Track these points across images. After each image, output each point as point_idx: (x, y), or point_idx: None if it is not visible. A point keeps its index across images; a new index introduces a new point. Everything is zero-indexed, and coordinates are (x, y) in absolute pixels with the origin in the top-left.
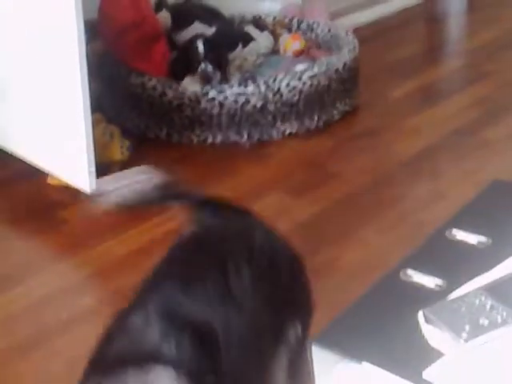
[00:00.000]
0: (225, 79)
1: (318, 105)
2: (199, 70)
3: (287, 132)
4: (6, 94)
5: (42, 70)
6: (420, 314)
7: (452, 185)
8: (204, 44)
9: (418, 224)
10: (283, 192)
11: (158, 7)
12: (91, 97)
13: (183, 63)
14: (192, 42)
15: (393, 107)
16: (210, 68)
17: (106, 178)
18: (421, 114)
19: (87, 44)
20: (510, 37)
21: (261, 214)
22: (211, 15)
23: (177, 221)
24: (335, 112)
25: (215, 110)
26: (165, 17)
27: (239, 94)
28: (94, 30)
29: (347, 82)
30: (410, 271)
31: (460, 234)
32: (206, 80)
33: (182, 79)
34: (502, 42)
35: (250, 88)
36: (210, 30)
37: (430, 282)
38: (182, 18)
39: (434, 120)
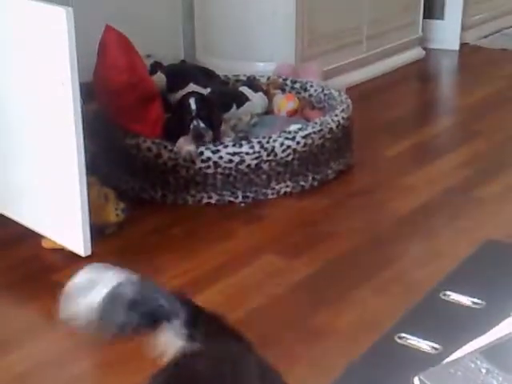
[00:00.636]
0: (217, 138)
1: (312, 164)
2: (191, 127)
3: (282, 191)
4: (3, 157)
5: (37, 132)
6: (416, 379)
7: (447, 243)
8: (197, 102)
9: (415, 283)
10: (278, 253)
11: (154, 69)
12: (86, 159)
13: (176, 122)
14: (185, 100)
15: (387, 166)
16: (202, 125)
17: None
18: (415, 172)
19: (82, 106)
20: (500, 95)
21: (255, 275)
22: (206, 76)
23: None
24: (330, 171)
25: (210, 170)
26: (160, 79)
27: (234, 154)
28: (89, 92)
29: (341, 141)
30: (405, 334)
31: (454, 296)
32: (198, 138)
33: (177, 139)
34: (492, 101)
35: (245, 148)
36: (205, 91)
37: (425, 345)
38: (177, 80)
39: (428, 178)
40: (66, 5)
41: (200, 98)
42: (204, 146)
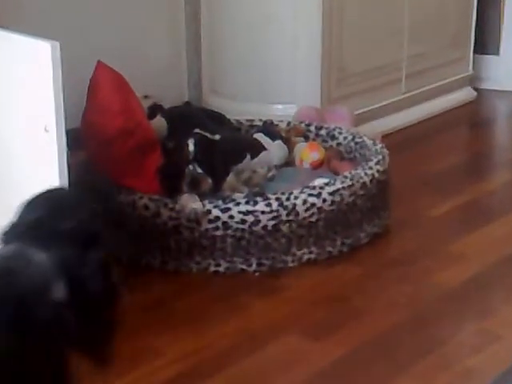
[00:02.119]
0: (218, 189)
1: (341, 226)
2: (186, 172)
3: (305, 258)
4: None
5: (15, 186)
6: None
7: (506, 324)
8: (197, 143)
9: (465, 372)
10: (300, 332)
11: (152, 113)
12: None
13: (171, 169)
14: (183, 141)
15: (431, 229)
16: (198, 171)
17: None
18: (465, 237)
19: (69, 156)
20: None
21: (273, 360)
22: (214, 121)
23: None
24: (362, 235)
25: (219, 232)
26: (160, 124)
27: (247, 213)
28: (76, 140)
29: (376, 198)
30: None
31: None
32: (192, 185)
33: (171, 190)
34: None
35: (260, 205)
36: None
37: None
38: (180, 126)
39: (481, 245)
40: (53, 39)
41: (202, 139)
42: (212, 202)
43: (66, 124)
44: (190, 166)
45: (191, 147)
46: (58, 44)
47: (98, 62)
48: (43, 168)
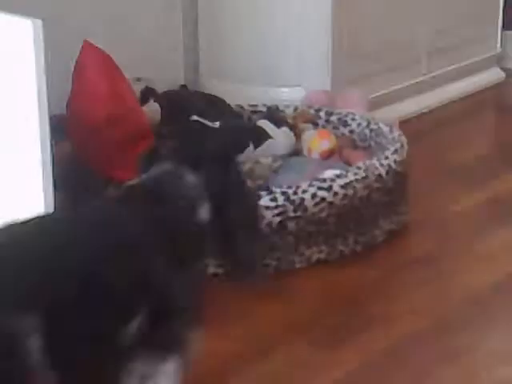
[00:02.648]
0: None
1: (354, 223)
2: None
3: (314, 258)
4: None
5: None
6: None
7: None
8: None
9: None
10: (309, 340)
11: (145, 97)
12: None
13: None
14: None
15: (454, 225)
16: None
17: None
18: (492, 234)
19: (52, 146)
20: None
21: (279, 371)
22: (213, 107)
23: None
24: (378, 232)
25: None
26: (153, 110)
27: None
28: (61, 128)
29: (393, 192)
30: None
31: None
32: None
33: None
34: None
35: (265, 200)
36: (213, 126)
37: None
38: (175, 111)
39: (509, 243)
40: (35, 17)
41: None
42: None
43: (48, 111)
44: None
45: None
46: (40, 22)
47: (85, 41)
48: (24, 159)
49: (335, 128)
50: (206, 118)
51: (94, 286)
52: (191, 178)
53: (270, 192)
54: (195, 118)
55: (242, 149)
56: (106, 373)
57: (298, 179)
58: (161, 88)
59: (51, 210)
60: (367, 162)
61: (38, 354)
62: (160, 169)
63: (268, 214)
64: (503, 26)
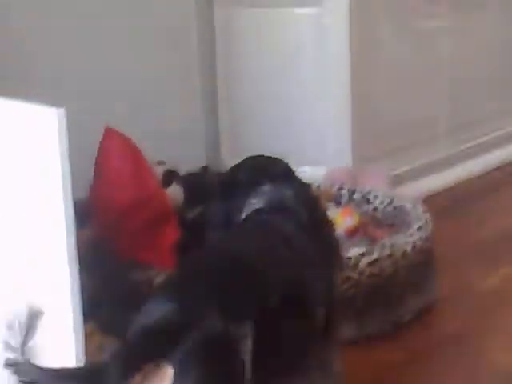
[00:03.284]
0: None
1: (381, 301)
2: None
3: (341, 338)
4: None
5: (19, 269)
6: None
7: None
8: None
9: None
10: None
11: (167, 180)
12: (82, 300)
13: (194, 241)
14: (208, 209)
15: (483, 302)
16: None
17: None
18: None
19: (76, 231)
20: None
21: None
22: None
23: None
24: (405, 311)
25: None
26: (175, 192)
27: None
28: (84, 213)
29: (420, 269)
30: None
31: None
32: None
33: None
34: None
35: None
36: None
37: None
38: (198, 193)
39: None
40: (57, 105)
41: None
42: None
43: (72, 196)
44: None
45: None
46: (63, 110)
47: (107, 128)
48: (50, 246)
49: (358, 206)
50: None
51: (289, 295)
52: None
53: None
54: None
55: None
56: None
57: None
58: (183, 170)
59: (77, 293)
60: (392, 239)
61: (248, 355)
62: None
63: None
64: None
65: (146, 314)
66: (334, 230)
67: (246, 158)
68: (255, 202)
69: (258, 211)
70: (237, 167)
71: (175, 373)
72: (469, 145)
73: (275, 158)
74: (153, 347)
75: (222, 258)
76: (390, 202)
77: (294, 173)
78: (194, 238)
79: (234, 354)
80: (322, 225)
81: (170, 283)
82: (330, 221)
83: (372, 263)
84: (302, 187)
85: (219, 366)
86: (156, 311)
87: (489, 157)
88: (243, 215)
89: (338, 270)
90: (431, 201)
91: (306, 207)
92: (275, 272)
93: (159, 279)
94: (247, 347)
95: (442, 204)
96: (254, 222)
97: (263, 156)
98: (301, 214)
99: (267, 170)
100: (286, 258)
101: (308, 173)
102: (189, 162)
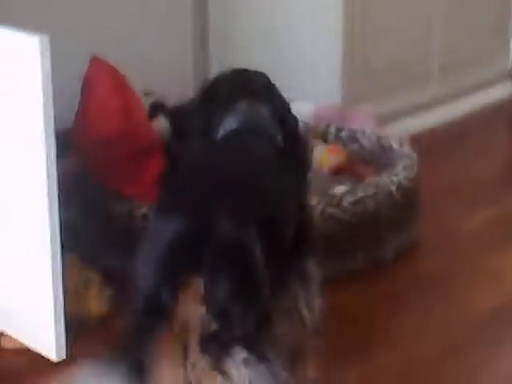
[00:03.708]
0: None
1: (363, 240)
2: None
3: (322, 276)
4: None
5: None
6: None
7: None
8: None
9: None
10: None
11: (154, 112)
12: (62, 231)
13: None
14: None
15: (465, 243)
16: None
17: None
18: (503, 253)
19: (58, 161)
20: None
21: None
22: None
23: None
24: (387, 249)
25: None
26: (161, 125)
27: None
28: (67, 143)
29: (403, 209)
30: None
31: None
32: None
33: None
34: None
35: None
36: None
37: None
38: (184, 126)
39: None
40: (42, 30)
41: None
42: None
43: (55, 126)
44: None
45: None
46: (47, 37)
47: (93, 56)
48: (30, 178)
49: (345, 144)
50: None
51: (278, 202)
52: (264, 110)
53: None
54: None
55: None
56: (282, 268)
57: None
58: (170, 102)
59: (56, 227)
60: (377, 179)
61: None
62: (243, 104)
63: None
64: None
65: (159, 233)
66: (306, 148)
67: (229, 71)
68: (231, 121)
69: (233, 132)
70: (217, 80)
71: (205, 283)
72: (456, 85)
73: (257, 73)
74: (181, 263)
75: (211, 170)
76: (377, 141)
77: (274, 89)
78: (177, 171)
79: (253, 258)
80: (296, 143)
81: (169, 200)
82: (304, 140)
83: (356, 202)
84: (280, 105)
85: (244, 270)
86: (168, 228)
87: (476, 98)
88: (220, 133)
89: (308, 186)
90: (418, 141)
91: (281, 126)
92: (256, 190)
93: (141, 211)
94: (259, 252)
95: (427, 144)
96: (230, 144)
97: (246, 70)
98: (273, 134)
99: (247, 84)
100: (262, 181)
101: (296, 108)
102: (176, 95)
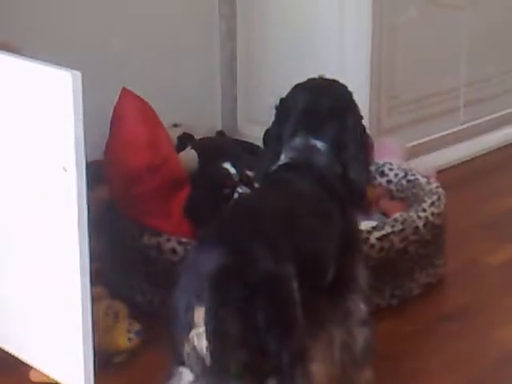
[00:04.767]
0: None
1: (390, 276)
2: (236, 196)
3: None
4: None
5: (28, 231)
6: None
7: None
8: (235, 165)
9: None
10: None
11: (182, 144)
12: (91, 263)
13: (204, 201)
14: (216, 168)
15: (491, 279)
16: (248, 191)
17: None
18: None
19: (89, 193)
20: None
21: None
22: (249, 153)
23: None
24: (414, 285)
25: None
26: (190, 157)
27: None
28: (98, 175)
29: (430, 245)
30: None
31: None
32: None
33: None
34: None
35: None
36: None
37: None
38: (212, 158)
39: None
40: (75, 65)
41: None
42: None
43: (85, 158)
44: (239, 189)
45: (231, 169)
46: (79, 73)
47: (123, 89)
48: (61, 210)
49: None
50: (242, 166)
51: (317, 241)
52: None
53: None
54: (227, 165)
55: None
56: (320, 305)
57: None
58: (198, 134)
59: (86, 256)
60: (404, 215)
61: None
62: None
63: None
64: None
65: (200, 265)
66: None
67: (306, 83)
68: (285, 156)
69: (283, 167)
70: (290, 98)
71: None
72: (484, 120)
73: (333, 87)
74: (225, 295)
75: (255, 207)
76: (404, 176)
77: (345, 108)
78: (205, 200)
79: (289, 293)
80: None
81: (211, 233)
82: (365, 163)
83: (383, 237)
84: (350, 124)
85: (280, 304)
86: (209, 260)
87: (503, 132)
88: (273, 167)
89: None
90: (444, 174)
91: (340, 156)
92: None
93: (170, 245)
94: (295, 288)
95: (454, 178)
96: (277, 180)
97: (322, 85)
98: (325, 172)
99: (316, 106)
100: (303, 219)
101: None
102: (204, 127)
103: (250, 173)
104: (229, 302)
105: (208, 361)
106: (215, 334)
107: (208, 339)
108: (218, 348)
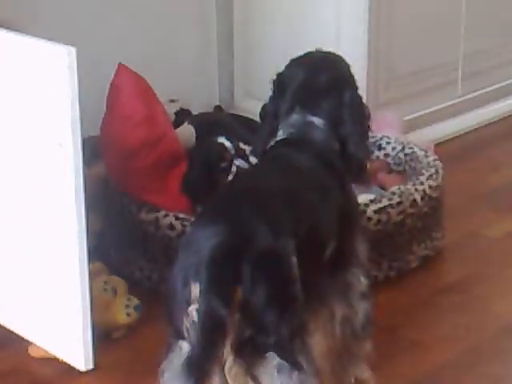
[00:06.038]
0: None
1: (388, 248)
2: (233, 170)
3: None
4: None
5: (25, 207)
6: None
7: None
8: (230, 140)
9: None
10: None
11: (179, 119)
12: (89, 239)
13: (200, 176)
14: (211, 143)
15: (489, 251)
16: (244, 164)
17: None
18: None
19: (85, 170)
20: None
21: None
22: (246, 127)
23: None
24: (412, 258)
25: None
26: (187, 132)
27: None
28: (94, 151)
29: (427, 217)
30: None
31: None
32: None
33: (201, 201)
34: None
35: None
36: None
37: None
38: (207, 133)
39: None
40: (70, 40)
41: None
42: None
43: (82, 134)
44: (236, 162)
45: (227, 143)
46: (74, 49)
47: (119, 65)
48: (57, 186)
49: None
50: (239, 141)
51: (316, 217)
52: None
53: None
54: (222, 140)
55: None
56: (320, 280)
57: None
58: (195, 109)
59: (84, 231)
60: (402, 187)
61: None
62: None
63: None
64: None
65: (198, 242)
66: (364, 157)
67: (302, 57)
68: (282, 132)
69: (281, 144)
70: (287, 75)
71: (243, 291)
72: (481, 92)
73: (330, 60)
74: (224, 272)
75: (253, 183)
76: (402, 149)
77: (342, 81)
78: (202, 175)
79: (288, 268)
80: (352, 148)
81: (210, 210)
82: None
83: (380, 210)
84: (347, 100)
85: (279, 279)
86: (208, 237)
87: (501, 104)
88: (270, 143)
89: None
90: (442, 147)
91: (338, 132)
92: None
93: (167, 220)
94: (295, 263)
95: (452, 151)
96: (274, 157)
97: (318, 57)
98: (323, 147)
99: (313, 82)
100: (302, 196)
101: None
102: (201, 102)
103: (244, 146)
104: (227, 278)
105: (194, 339)
106: (205, 313)
107: (198, 318)
108: (206, 328)
